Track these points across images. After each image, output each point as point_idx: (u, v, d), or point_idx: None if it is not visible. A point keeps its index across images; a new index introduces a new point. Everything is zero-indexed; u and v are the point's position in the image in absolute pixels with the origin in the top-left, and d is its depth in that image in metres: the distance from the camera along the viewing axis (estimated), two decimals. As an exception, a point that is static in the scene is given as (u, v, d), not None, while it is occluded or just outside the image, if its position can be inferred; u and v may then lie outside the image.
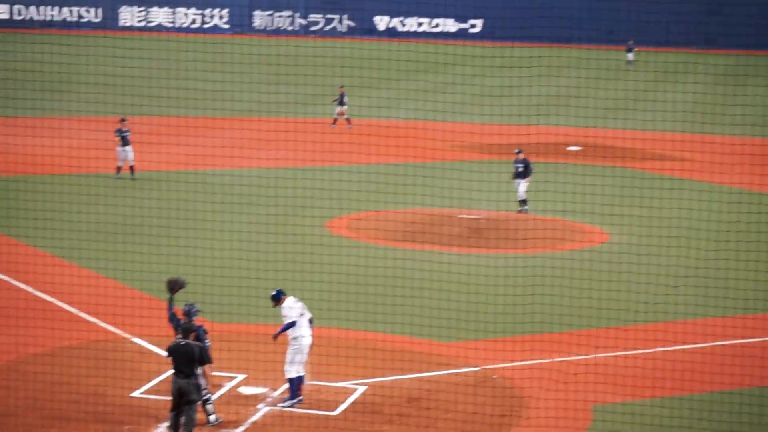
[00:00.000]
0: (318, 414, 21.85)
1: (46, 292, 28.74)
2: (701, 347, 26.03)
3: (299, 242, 34.02)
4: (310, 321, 22.46)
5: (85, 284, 28.96)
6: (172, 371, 20.45)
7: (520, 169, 39.66)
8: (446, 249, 34.38)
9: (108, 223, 35.99)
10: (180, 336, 20.64)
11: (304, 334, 22.23)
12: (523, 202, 39.62)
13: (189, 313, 21.38)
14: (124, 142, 43.88)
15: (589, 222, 37.52)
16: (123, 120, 44.47)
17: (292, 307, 22.19)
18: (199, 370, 20.46)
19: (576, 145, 54.52)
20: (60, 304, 28.01)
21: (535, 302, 28.06)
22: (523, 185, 39.51)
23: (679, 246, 33.86)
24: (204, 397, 20.98)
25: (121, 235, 33.91)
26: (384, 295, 28.67)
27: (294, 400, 22.04)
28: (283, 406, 22.05)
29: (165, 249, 32.38)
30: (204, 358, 20.48)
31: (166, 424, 21.18)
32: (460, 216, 39.47)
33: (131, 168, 43.90)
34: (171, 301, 21.87)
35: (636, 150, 52.98)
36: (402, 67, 66.82)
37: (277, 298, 22.42)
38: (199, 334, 20.95)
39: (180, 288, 22.09)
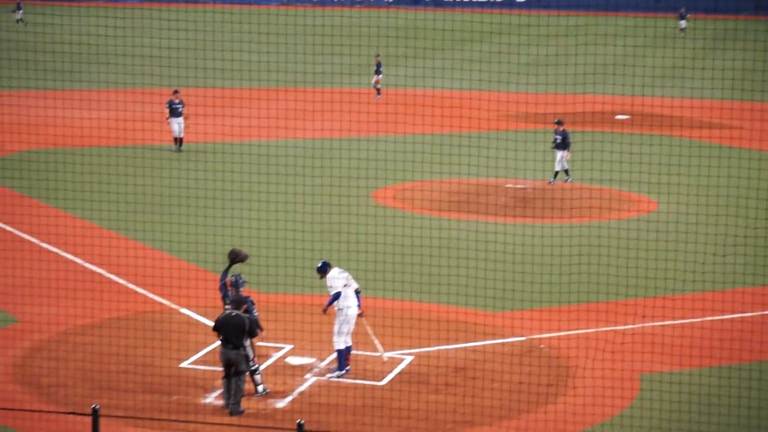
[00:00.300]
0: (365, 384, 21.92)
1: (95, 264, 28.99)
2: (750, 316, 25.85)
3: (345, 213, 34.07)
4: (357, 292, 22.50)
5: (133, 255, 29.18)
6: (220, 342, 20.61)
7: (558, 141, 39.53)
8: (492, 219, 34.31)
9: (156, 195, 36.20)
10: (229, 307, 20.83)
11: (350, 304, 22.29)
12: (566, 172, 39.50)
13: (236, 284, 21.56)
14: (174, 113, 44.05)
15: (637, 191, 37.31)
16: (175, 92, 44.63)
17: (337, 278, 22.25)
18: (247, 342, 20.63)
19: (624, 113, 54.15)
20: (109, 275, 28.24)
21: (582, 272, 27.95)
22: (559, 155, 39.40)
23: (728, 215, 33.60)
24: (252, 368, 21.12)
25: (168, 207, 34.10)
26: (430, 265, 28.67)
27: (342, 371, 22.13)
28: (331, 377, 22.14)
29: (212, 220, 32.55)
30: (253, 330, 20.65)
31: (215, 393, 21.35)
32: (507, 186, 39.36)
33: (179, 140, 44.07)
34: (227, 271, 22.04)
35: (684, 118, 52.54)
36: (448, 37, 66.57)
37: (323, 270, 22.48)
38: (248, 306, 21.10)
39: (240, 260, 22.19)
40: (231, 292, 21.56)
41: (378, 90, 57.87)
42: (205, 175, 35.23)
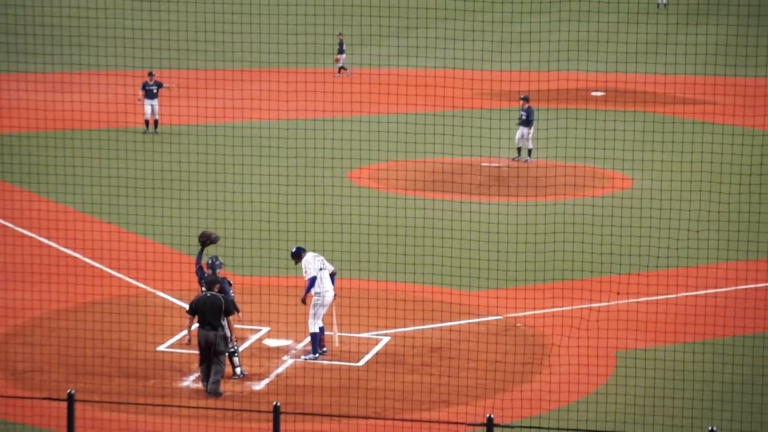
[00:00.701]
0: (342, 365, 21.97)
1: (70, 248, 28.92)
2: (724, 291, 25.99)
3: (321, 193, 34.07)
4: (332, 275, 22.51)
5: (109, 239, 29.12)
6: (197, 324, 20.61)
7: (523, 117, 39.63)
8: (468, 198, 34.36)
9: (131, 178, 36.11)
10: (204, 288, 20.88)
11: (327, 288, 22.33)
12: (528, 152, 39.66)
13: (212, 266, 21.58)
14: (148, 95, 44.03)
15: (612, 168, 37.40)
16: (150, 74, 44.57)
17: (311, 262, 22.25)
18: (224, 322, 20.64)
19: (599, 90, 54.23)
20: (84, 259, 28.19)
21: (557, 249, 28.03)
22: (521, 133, 39.54)
23: (702, 190, 33.73)
24: (231, 350, 21.14)
25: (143, 190, 34.02)
26: (405, 245, 28.71)
27: (315, 354, 22.16)
28: (306, 358, 22.18)
29: (187, 203, 32.48)
30: (229, 309, 20.67)
31: (193, 376, 21.36)
32: (482, 164, 39.42)
33: (155, 122, 43.97)
34: (200, 254, 22.09)
35: (659, 94, 52.66)
36: (422, 15, 66.50)
37: (298, 255, 22.51)
38: (224, 287, 21.11)
39: (211, 243, 22.30)
40: (207, 274, 21.58)
41: (340, 69, 58.12)
42: (180, 157, 35.14)
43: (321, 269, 22.28)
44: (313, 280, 22.14)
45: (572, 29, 56.89)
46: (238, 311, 21.37)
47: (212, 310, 20.52)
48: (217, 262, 21.64)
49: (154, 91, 43.96)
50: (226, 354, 20.83)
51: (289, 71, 59.67)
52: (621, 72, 52.99)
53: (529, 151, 39.63)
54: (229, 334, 20.85)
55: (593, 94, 53.88)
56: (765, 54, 56.15)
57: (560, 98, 51.48)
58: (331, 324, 22.78)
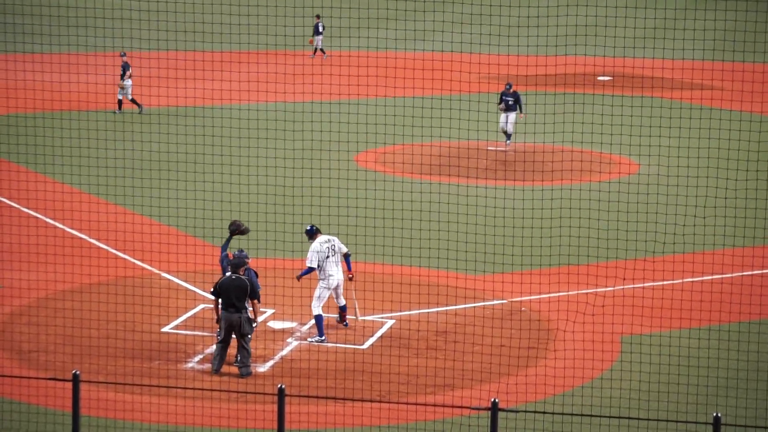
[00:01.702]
0: (346, 348, 21.98)
1: (76, 229, 28.94)
2: (730, 277, 25.98)
3: (328, 176, 34.05)
4: (347, 255, 22.63)
5: (115, 221, 29.12)
6: (221, 306, 20.57)
7: (510, 102, 39.63)
8: (474, 182, 34.33)
9: (137, 159, 36.10)
10: (230, 271, 20.84)
11: (332, 273, 22.39)
12: (509, 135, 39.69)
13: (239, 258, 21.38)
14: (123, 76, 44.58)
15: (619, 153, 37.35)
16: (122, 54, 44.92)
17: (315, 251, 22.32)
18: (248, 305, 20.63)
19: (606, 75, 54.14)
20: (91, 240, 28.21)
21: (563, 234, 28.03)
22: (512, 117, 39.54)
23: (709, 176, 33.69)
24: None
25: (149, 171, 34.02)
26: (411, 228, 28.69)
27: (323, 337, 22.19)
28: (312, 341, 22.21)
29: (194, 185, 32.45)
30: (255, 292, 20.67)
31: (197, 358, 21.39)
32: (489, 148, 39.38)
33: (134, 101, 44.20)
34: (227, 242, 22.02)
35: (666, 79, 52.55)
36: (429, -1, 66.37)
37: (310, 234, 22.59)
38: (250, 275, 21.03)
39: (240, 233, 22.18)
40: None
41: (315, 50, 58.67)
42: (186, 139, 35.11)
43: (328, 257, 22.32)
44: (310, 269, 22.29)
45: (579, 14, 56.75)
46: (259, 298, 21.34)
47: (237, 292, 20.53)
48: (244, 253, 21.47)
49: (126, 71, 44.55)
50: (250, 336, 20.82)
51: (296, 53, 59.59)
52: (628, 57, 52.92)
53: (509, 135, 39.80)
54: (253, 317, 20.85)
55: (600, 78, 53.79)
56: (771, 40, 55.97)
57: (567, 83, 51.35)
58: (352, 300, 22.88)
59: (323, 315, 22.36)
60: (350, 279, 22.78)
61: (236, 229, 22.26)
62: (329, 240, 22.63)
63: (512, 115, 39.60)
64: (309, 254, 22.40)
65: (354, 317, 23.08)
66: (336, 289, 22.60)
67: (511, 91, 39.90)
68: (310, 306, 22.46)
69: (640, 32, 58.66)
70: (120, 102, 44.58)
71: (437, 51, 59.94)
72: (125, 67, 44.48)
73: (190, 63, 49.79)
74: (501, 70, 51.56)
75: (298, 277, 22.57)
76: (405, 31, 65.21)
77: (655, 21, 62.04)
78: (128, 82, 44.26)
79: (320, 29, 59.77)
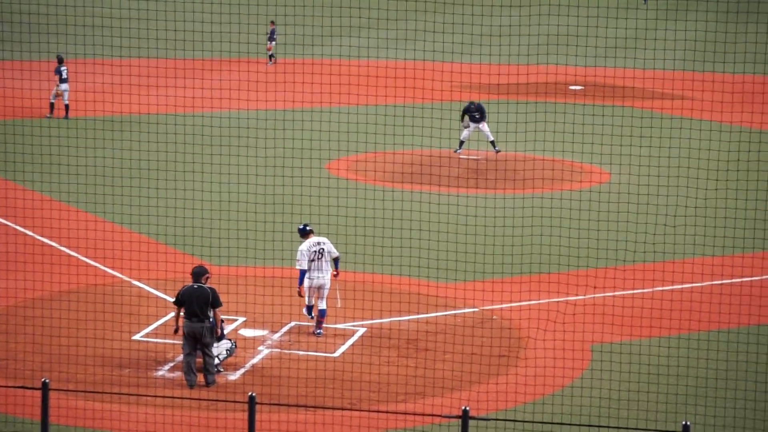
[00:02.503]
0: (317, 356, 21.96)
1: (46, 237, 28.80)
2: (699, 286, 26.09)
3: (300, 184, 34.02)
4: (336, 260, 22.80)
5: (86, 228, 28.99)
6: (184, 316, 20.44)
7: (477, 116, 39.77)
8: (445, 190, 34.37)
9: (108, 167, 35.98)
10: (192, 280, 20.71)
11: (318, 275, 22.66)
12: (461, 143, 39.83)
13: (201, 267, 21.14)
14: (61, 80, 45.11)
15: (590, 162, 37.47)
16: (60, 59, 45.38)
17: (304, 252, 22.55)
18: (211, 313, 20.51)
19: (578, 84, 54.34)
20: (60, 248, 28.08)
21: (534, 243, 28.10)
22: (484, 126, 39.66)
23: (679, 186, 33.86)
24: (228, 347, 21.11)
25: (120, 179, 33.92)
26: (383, 237, 28.71)
27: (310, 316, 22.63)
28: (319, 333, 22.65)
29: (164, 192, 32.38)
30: (216, 301, 20.55)
31: (168, 366, 21.31)
32: (460, 157, 39.44)
33: (51, 106, 44.90)
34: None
35: (637, 89, 52.78)
36: (401, 7, 66.45)
37: (303, 233, 22.77)
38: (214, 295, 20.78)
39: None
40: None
41: (271, 57, 59.23)
42: (157, 147, 35.01)
43: (313, 260, 22.64)
44: (303, 272, 22.42)
45: (551, 23, 57.01)
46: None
47: (199, 301, 20.43)
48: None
49: (63, 76, 45.09)
50: (213, 344, 20.73)
51: (265, 61, 59.48)
52: (599, 66, 53.14)
53: (462, 143, 39.94)
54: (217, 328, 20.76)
55: (571, 88, 53.99)
56: (743, 50, 56.36)
57: (539, 92, 51.52)
58: (335, 289, 23.30)
59: (310, 306, 22.64)
60: (335, 276, 23.04)
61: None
62: (319, 243, 22.77)
63: (483, 125, 39.70)
64: (298, 256, 22.61)
65: (335, 306, 23.32)
66: (320, 289, 22.72)
67: (477, 104, 40.09)
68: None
69: (611, 42, 58.94)
70: (67, 107, 45.10)
71: (409, 59, 60.04)
72: (60, 72, 44.75)
73: (162, 70, 49.67)
74: (473, 79, 51.69)
75: (300, 292, 22.75)
76: (377, 39, 65.30)
77: (626, 31, 62.31)
78: (64, 86, 44.78)
79: (274, 35, 60.26)
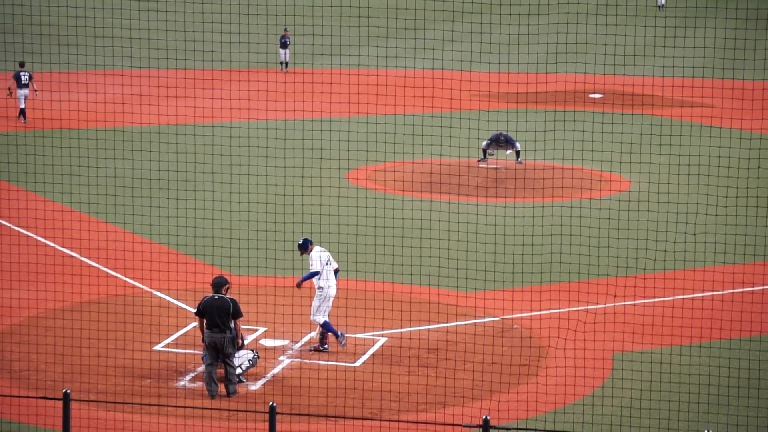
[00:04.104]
0: (338, 365, 21.96)
1: (68, 247, 28.90)
2: (720, 294, 26.01)
3: (320, 194, 34.05)
4: (336, 272, 22.66)
5: (107, 239, 29.10)
6: (206, 326, 20.46)
7: (503, 145, 39.70)
8: (465, 199, 34.36)
9: (129, 178, 36.08)
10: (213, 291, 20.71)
11: (330, 284, 22.43)
12: (518, 153, 39.75)
13: (221, 278, 21.16)
14: (20, 86, 45.69)
15: (610, 170, 37.41)
16: (22, 64, 46.44)
17: (317, 258, 22.36)
18: (232, 324, 20.51)
19: (598, 92, 54.26)
20: (82, 258, 28.17)
21: (555, 251, 28.05)
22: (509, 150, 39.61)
23: (699, 193, 33.77)
24: (250, 357, 21.10)
25: (141, 189, 34.01)
26: (403, 246, 28.71)
27: (341, 335, 22.24)
28: (322, 348, 22.25)
29: (185, 203, 32.46)
30: (237, 311, 20.56)
31: (189, 376, 21.35)
32: (480, 166, 39.42)
33: (22, 111, 45.67)
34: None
35: (657, 97, 52.67)
36: (420, 17, 66.46)
37: (305, 247, 22.63)
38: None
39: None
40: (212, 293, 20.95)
41: (283, 64, 59.81)
42: (177, 157, 35.14)
43: (327, 263, 22.43)
44: (314, 273, 22.24)
45: (570, 31, 56.96)
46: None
47: (220, 312, 20.45)
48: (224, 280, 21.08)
49: (25, 81, 45.93)
50: (235, 355, 20.74)
51: (288, 71, 59.65)
52: (619, 74, 53.07)
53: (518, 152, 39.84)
54: (238, 338, 20.76)
55: (591, 96, 53.91)
56: (762, 57, 56.26)
57: (558, 100, 51.51)
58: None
59: (327, 324, 22.41)
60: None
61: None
62: (325, 251, 22.72)
63: (508, 151, 39.67)
64: (310, 259, 22.44)
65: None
66: (330, 299, 22.58)
67: (505, 135, 39.82)
68: (312, 320, 22.45)
69: (631, 50, 58.86)
70: (22, 110, 46.00)
71: (429, 69, 60.06)
72: (19, 78, 45.73)
73: (181, 81, 49.83)
74: (493, 88, 51.69)
75: (299, 284, 22.52)
76: (396, 48, 65.33)
77: (645, 39, 62.22)
78: (25, 92, 45.79)
79: (287, 42, 60.56)
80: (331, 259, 22.65)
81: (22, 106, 45.90)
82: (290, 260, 25.60)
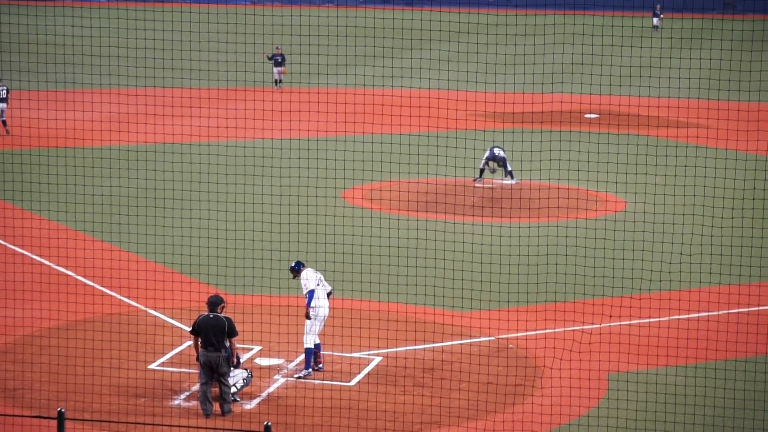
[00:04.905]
0: (333, 384, 21.92)
1: (62, 266, 28.86)
2: (717, 315, 26.00)
3: (315, 213, 34.04)
4: (329, 294, 22.59)
5: (102, 257, 29.06)
6: (201, 345, 20.41)
7: (499, 163, 39.78)
8: (461, 218, 34.35)
9: (124, 196, 36.05)
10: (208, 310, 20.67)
11: (322, 304, 22.36)
12: (511, 173, 39.77)
13: (216, 297, 21.12)
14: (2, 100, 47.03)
15: (606, 190, 37.44)
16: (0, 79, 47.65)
17: (309, 279, 22.28)
18: (227, 343, 20.46)
19: (594, 112, 54.34)
20: (77, 277, 28.13)
21: (550, 272, 28.04)
22: (505, 163, 39.65)
23: (695, 214, 33.78)
24: (244, 377, 21.06)
25: (136, 208, 33.99)
26: (398, 265, 28.69)
27: (308, 371, 22.12)
28: (298, 376, 22.14)
29: (180, 221, 32.45)
30: (232, 330, 20.52)
31: (184, 395, 21.30)
32: (475, 185, 39.44)
33: (3, 122, 46.74)
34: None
35: (652, 117, 52.76)
36: (416, 36, 66.60)
37: (297, 270, 22.55)
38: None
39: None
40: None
41: (276, 82, 60.29)
42: (173, 176, 35.11)
43: (318, 284, 22.34)
44: (311, 293, 22.14)
45: (566, 51, 57.14)
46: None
47: (215, 331, 20.42)
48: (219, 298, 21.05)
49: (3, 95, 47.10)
50: (230, 374, 20.70)
51: (283, 90, 59.71)
52: (615, 95, 53.16)
53: (511, 173, 39.92)
54: (233, 357, 20.71)
55: (587, 116, 53.99)
56: (758, 79, 56.35)
57: (554, 120, 51.58)
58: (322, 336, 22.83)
59: (318, 344, 22.29)
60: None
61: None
62: (317, 272, 22.65)
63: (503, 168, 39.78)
64: (303, 281, 22.30)
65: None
66: (323, 320, 22.46)
67: (499, 156, 39.88)
68: (302, 341, 22.40)
69: (626, 70, 59.01)
70: (4, 123, 46.80)
71: (425, 88, 60.14)
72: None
73: (177, 100, 49.87)
74: (488, 108, 51.74)
75: (307, 314, 22.24)
76: (392, 68, 65.44)
77: (641, 60, 62.38)
78: (3, 106, 46.82)
79: (279, 60, 60.86)
80: (323, 280, 22.59)
81: (3, 118, 46.68)
82: (285, 279, 25.56)
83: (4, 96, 47.05)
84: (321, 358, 22.50)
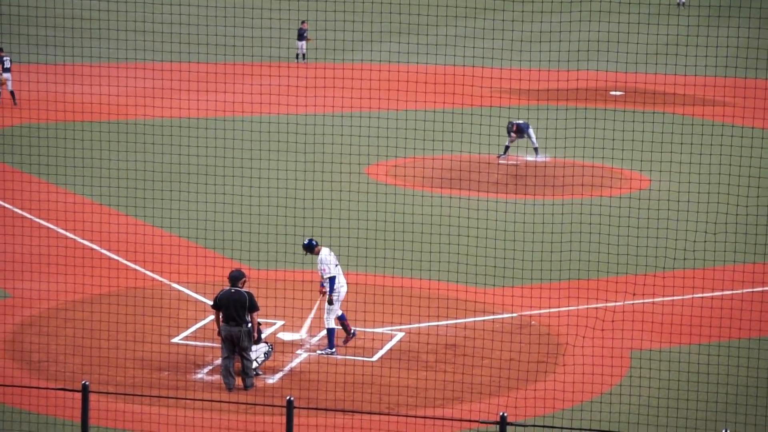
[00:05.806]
0: (355, 360, 21.99)
1: (87, 239, 29.01)
2: (740, 293, 25.93)
3: (338, 189, 34.06)
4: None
5: (126, 231, 29.20)
6: (222, 320, 20.49)
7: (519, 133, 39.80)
8: (484, 195, 34.32)
9: (149, 171, 36.13)
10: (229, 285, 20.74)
11: (342, 282, 22.40)
12: (537, 150, 39.77)
13: (238, 271, 21.17)
14: (4, 70, 47.31)
15: (630, 168, 37.34)
16: (1, 49, 47.78)
17: (329, 262, 22.22)
18: (248, 317, 20.54)
19: (619, 90, 54.11)
20: (101, 250, 28.28)
21: (573, 249, 28.01)
22: (531, 133, 39.61)
23: (720, 192, 33.64)
24: (265, 351, 21.15)
25: (161, 183, 34.06)
26: (421, 242, 28.70)
27: (332, 350, 22.19)
28: (321, 353, 22.22)
29: (204, 196, 32.53)
30: (254, 305, 20.58)
31: (207, 369, 21.41)
32: (499, 162, 39.39)
33: (12, 93, 47.11)
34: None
35: (678, 95, 52.51)
36: (441, 13, 66.39)
37: (310, 247, 22.53)
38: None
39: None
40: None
41: (300, 56, 60.26)
42: (197, 150, 35.25)
43: (336, 265, 22.37)
44: (333, 279, 22.15)
45: (591, 29, 56.85)
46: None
47: (236, 305, 20.50)
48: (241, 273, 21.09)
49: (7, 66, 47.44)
50: (252, 348, 20.78)
51: (308, 66, 59.71)
52: (640, 72, 52.91)
53: (536, 149, 39.94)
54: (255, 333, 20.80)
55: (612, 93, 53.78)
56: (784, 56, 55.94)
57: (579, 97, 51.35)
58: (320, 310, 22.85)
59: (342, 316, 22.37)
60: (323, 293, 22.54)
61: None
62: (331, 252, 22.61)
63: (530, 132, 39.71)
64: (323, 263, 22.29)
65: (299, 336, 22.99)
66: (340, 300, 22.52)
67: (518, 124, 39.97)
68: (323, 319, 22.47)
69: (652, 48, 58.69)
70: (12, 94, 47.11)
71: (449, 65, 59.97)
72: (2, 61, 47.08)
73: (203, 75, 49.91)
74: (513, 84, 51.61)
75: (330, 300, 22.23)
76: (417, 44, 65.25)
77: (667, 37, 62.00)
78: (7, 75, 47.19)
79: (305, 35, 60.81)
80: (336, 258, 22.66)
81: (11, 89, 47.07)
82: (309, 254, 25.62)
83: (8, 66, 47.31)
84: (350, 326, 22.49)
